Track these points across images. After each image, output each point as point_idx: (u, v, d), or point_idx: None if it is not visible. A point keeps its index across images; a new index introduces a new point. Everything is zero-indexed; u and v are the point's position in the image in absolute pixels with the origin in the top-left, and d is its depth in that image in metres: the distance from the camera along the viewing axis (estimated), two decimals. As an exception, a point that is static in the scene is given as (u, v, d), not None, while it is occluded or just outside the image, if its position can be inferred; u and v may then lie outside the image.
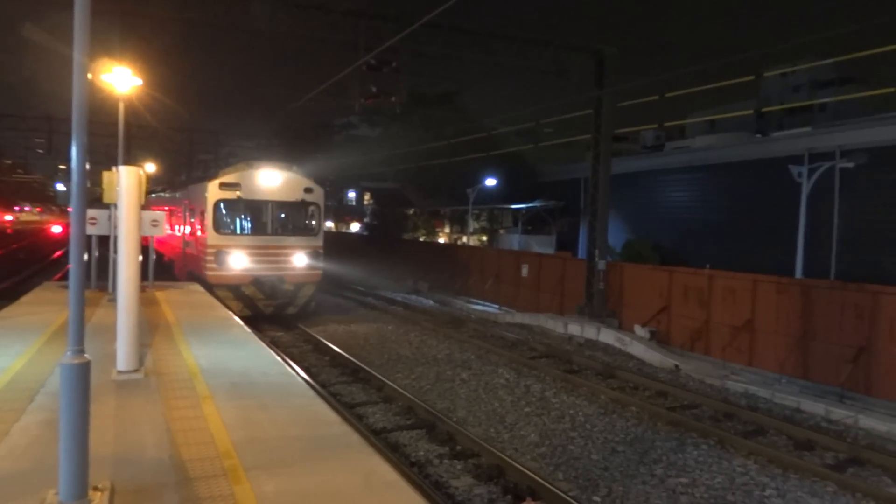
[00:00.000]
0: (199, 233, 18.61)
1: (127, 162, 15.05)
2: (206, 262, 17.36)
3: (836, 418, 11.03)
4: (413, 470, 8.14)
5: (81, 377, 4.15)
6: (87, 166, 4.25)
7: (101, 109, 21.58)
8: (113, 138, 17.78)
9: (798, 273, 17.33)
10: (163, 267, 24.25)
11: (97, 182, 14.38)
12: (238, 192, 17.40)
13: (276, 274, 17.60)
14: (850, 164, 18.00)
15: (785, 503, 7.76)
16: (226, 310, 13.74)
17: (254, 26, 16.58)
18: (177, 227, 23.76)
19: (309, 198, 18.38)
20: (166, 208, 26.65)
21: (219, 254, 17.06)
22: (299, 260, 17.96)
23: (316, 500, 4.72)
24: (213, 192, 17.34)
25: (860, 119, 25.39)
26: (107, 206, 13.51)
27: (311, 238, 18.45)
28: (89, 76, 4.23)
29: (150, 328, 10.83)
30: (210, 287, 16.86)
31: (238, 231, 17.90)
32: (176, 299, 14.54)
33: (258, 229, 17.97)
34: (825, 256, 21.05)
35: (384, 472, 5.31)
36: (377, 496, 4.85)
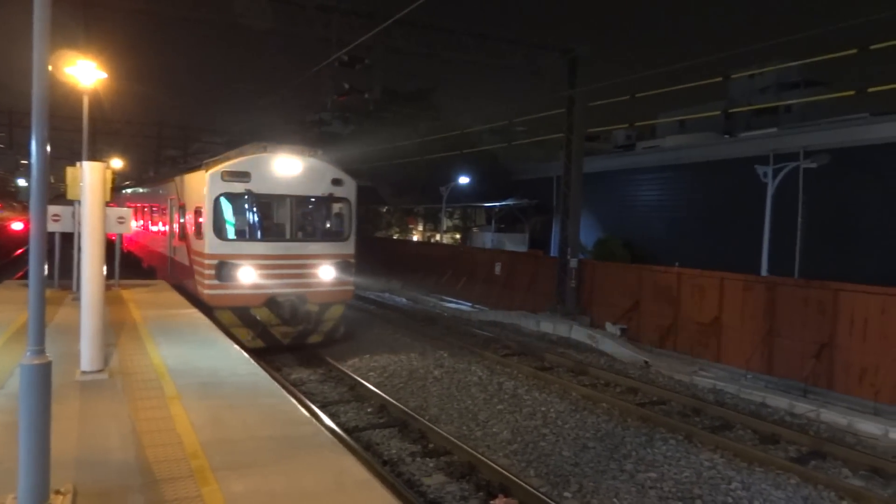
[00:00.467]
0: (192, 238, 14.29)
1: (92, 157, 14.72)
2: (202, 278, 13.27)
3: (799, 412, 11.31)
4: (385, 468, 8.12)
5: (42, 378, 4.04)
6: (49, 161, 4.13)
7: (64, 103, 21.05)
8: (78, 133, 16.52)
9: (764, 271, 17.72)
10: (142, 274, 21.39)
11: (62, 178, 14.03)
12: (247, 185, 13.21)
13: (296, 292, 13.50)
14: (814, 165, 18.46)
15: (750, 496, 7.93)
16: (194, 309, 13.33)
17: (225, 20, 16.34)
18: (157, 228, 19.69)
19: (338, 192, 14.30)
20: (143, 205, 22.85)
21: (221, 266, 12.92)
22: (326, 273, 13.88)
23: (286, 501, 4.67)
24: (214, 184, 13.10)
25: (823, 121, 26.08)
26: (71, 203, 13.19)
27: (340, 244, 14.35)
28: (50, 68, 4.12)
29: (115, 328, 10.60)
30: (209, 309, 12.93)
31: (247, 236, 13.65)
32: (143, 298, 14.25)
33: (273, 233, 13.93)
34: (790, 255, 21.56)
35: (356, 471, 5.28)
36: (348, 495, 4.82)
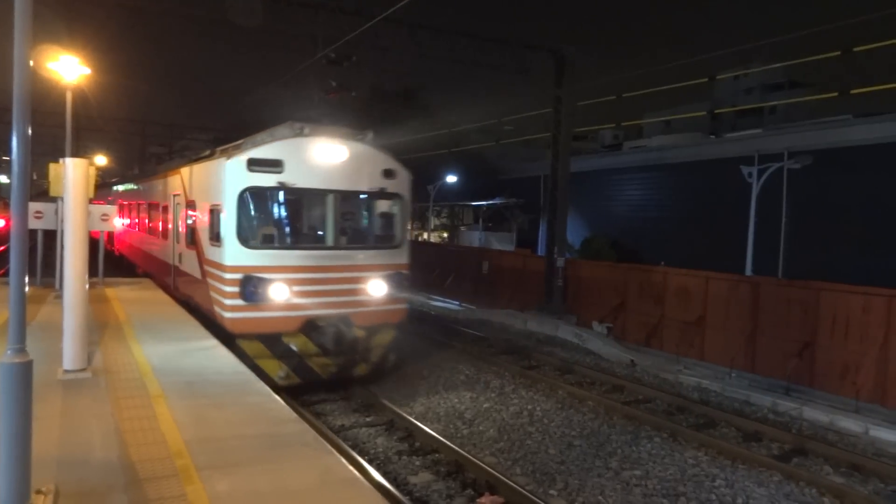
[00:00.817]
0: (205, 244, 11.53)
1: (75, 154, 14.57)
2: (221, 296, 10.49)
3: (782, 410, 11.44)
4: (371, 467, 8.10)
5: (23, 376, 3.99)
6: (31, 158, 4.09)
7: (47, 99, 20.77)
8: (61, 129, 16.06)
9: (748, 270, 17.91)
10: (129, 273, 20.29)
11: (45, 174, 13.88)
12: (279, 176, 10.45)
13: (340, 313, 10.80)
14: (797, 166, 18.67)
15: (733, 493, 8.01)
16: (179, 308, 13.14)
17: (210, 16, 16.23)
18: (157, 230, 16.64)
19: (391, 186, 11.63)
20: (140, 202, 20.02)
21: (247, 282, 10.16)
22: (376, 288, 11.20)
23: (271, 499, 4.65)
24: (237, 175, 10.31)
25: (806, 122, 26.40)
26: (54, 200, 13.05)
27: (392, 252, 11.73)
28: (32, 64, 4.07)
29: (99, 326, 10.50)
30: (230, 336, 10.26)
31: (279, 243, 10.76)
32: (127, 296, 14.12)
33: (312, 239, 11.23)
34: (774, 254, 21.80)
35: (341, 469, 5.27)
36: (334, 494, 4.81)
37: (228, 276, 10.28)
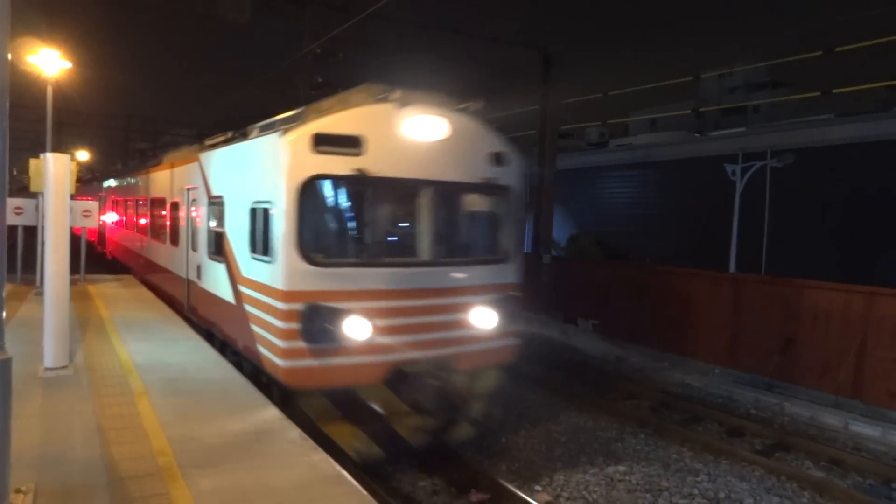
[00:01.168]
0: (239, 256, 8.68)
1: (56, 149, 14.36)
2: (272, 333, 7.46)
3: (764, 406, 11.58)
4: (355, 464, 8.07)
5: (2, 374, 3.94)
6: (8, 152, 4.02)
7: (27, 93, 20.47)
8: (42, 123, 15.62)
9: (732, 267, 18.08)
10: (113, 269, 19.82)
11: (26, 170, 13.69)
12: (358, 161, 7.42)
13: (439, 355, 7.88)
14: (780, 164, 18.88)
15: (715, 488, 8.10)
16: (163, 304, 12.92)
17: (194, 10, 16.08)
18: (161, 233, 13.88)
19: (501, 176, 8.54)
20: (136, 199, 17.26)
21: (315, 314, 7.14)
22: (482, 319, 8.19)
23: (255, 497, 4.63)
24: (298, 158, 7.27)
25: (788, 122, 26.71)
26: (35, 195, 12.88)
27: (500, 268, 8.60)
28: (10, 57, 4.00)
29: (81, 323, 10.38)
30: (286, 391, 7.45)
31: (357, 256, 7.59)
32: (110, 293, 13.97)
33: (403, 251, 8.00)
34: (757, 251, 22.03)
35: (327, 466, 5.26)
36: (319, 491, 4.80)
37: (284, 305, 7.09)
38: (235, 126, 10.42)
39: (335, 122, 7.41)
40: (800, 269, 17.25)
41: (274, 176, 7.44)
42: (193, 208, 11.21)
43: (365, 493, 4.83)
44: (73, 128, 40.33)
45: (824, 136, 21.86)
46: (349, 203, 7.72)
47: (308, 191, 7.24)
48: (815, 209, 21.42)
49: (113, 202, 21.74)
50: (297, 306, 7.09)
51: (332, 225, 7.74)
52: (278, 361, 7.22)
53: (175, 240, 12.52)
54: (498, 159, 8.46)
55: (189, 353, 8.96)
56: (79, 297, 12.78)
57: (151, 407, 6.48)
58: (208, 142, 10.91)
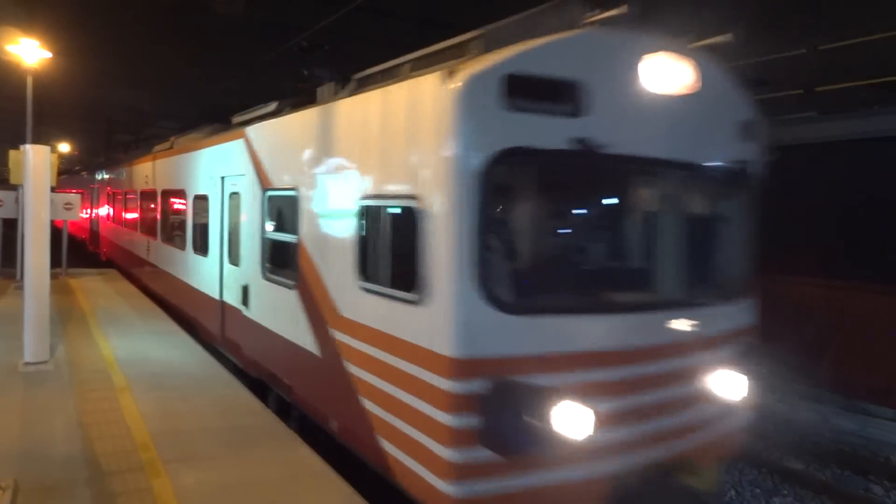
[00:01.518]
0: (332, 281, 5.63)
1: (37, 141, 14.15)
2: (424, 431, 4.27)
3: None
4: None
5: (-20, 369, 3.88)
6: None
7: (6, 82, 20.11)
8: (22, 115, 15.15)
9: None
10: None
11: (5, 162, 13.51)
12: (577, 125, 4.28)
13: (670, 452, 4.81)
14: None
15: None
16: (146, 299, 12.80)
17: (180, 2, 15.89)
18: (172, 236, 11.46)
19: (749, 159, 5.67)
20: (136, 191, 14.50)
21: (502, 399, 3.99)
22: (728, 386, 5.13)
23: (240, 492, 4.61)
24: (479, 116, 4.05)
25: (771, 120, 26.86)
26: (15, 188, 12.72)
27: (741, 304, 5.65)
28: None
29: (63, 318, 10.26)
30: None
31: (574, 291, 4.81)
32: (92, 287, 13.82)
33: (634, 283, 5.20)
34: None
35: (311, 461, 5.25)
36: (304, 486, 4.79)
37: (453, 385, 4.10)
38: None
39: (540, 55, 4.30)
40: (779, 267, 17.39)
41: (426, 151, 4.36)
42: (234, 205, 8.22)
43: (350, 488, 4.82)
44: (54, 119, 39.74)
45: (806, 133, 22.04)
46: (566, 201, 4.94)
47: (497, 178, 4.14)
48: (796, 207, 21.62)
49: (109, 196, 18.72)
50: (478, 386, 4.05)
51: (538, 240, 4.79)
52: (440, 485, 4.15)
53: (201, 247, 9.60)
54: (748, 130, 5.53)
55: (172, 347, 8.89)
56: (60, 290, 12.63)
57: (134, 402, 6.42)
58: (245, 115, 8.47)
